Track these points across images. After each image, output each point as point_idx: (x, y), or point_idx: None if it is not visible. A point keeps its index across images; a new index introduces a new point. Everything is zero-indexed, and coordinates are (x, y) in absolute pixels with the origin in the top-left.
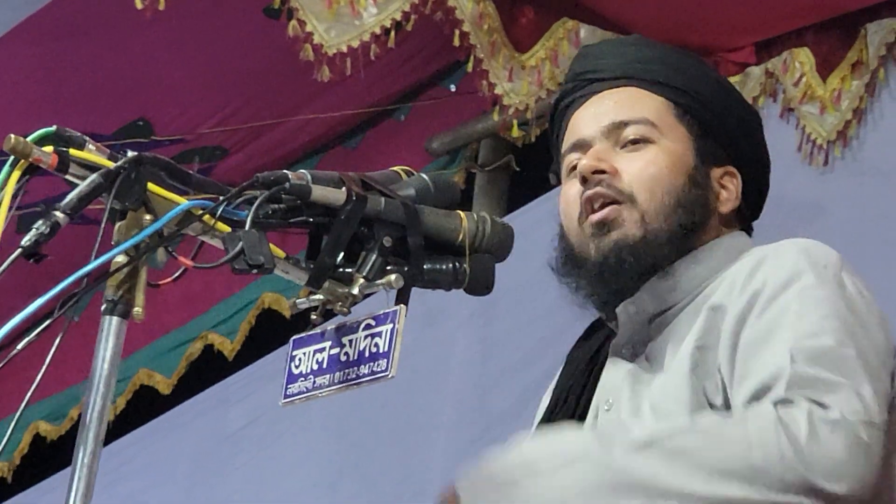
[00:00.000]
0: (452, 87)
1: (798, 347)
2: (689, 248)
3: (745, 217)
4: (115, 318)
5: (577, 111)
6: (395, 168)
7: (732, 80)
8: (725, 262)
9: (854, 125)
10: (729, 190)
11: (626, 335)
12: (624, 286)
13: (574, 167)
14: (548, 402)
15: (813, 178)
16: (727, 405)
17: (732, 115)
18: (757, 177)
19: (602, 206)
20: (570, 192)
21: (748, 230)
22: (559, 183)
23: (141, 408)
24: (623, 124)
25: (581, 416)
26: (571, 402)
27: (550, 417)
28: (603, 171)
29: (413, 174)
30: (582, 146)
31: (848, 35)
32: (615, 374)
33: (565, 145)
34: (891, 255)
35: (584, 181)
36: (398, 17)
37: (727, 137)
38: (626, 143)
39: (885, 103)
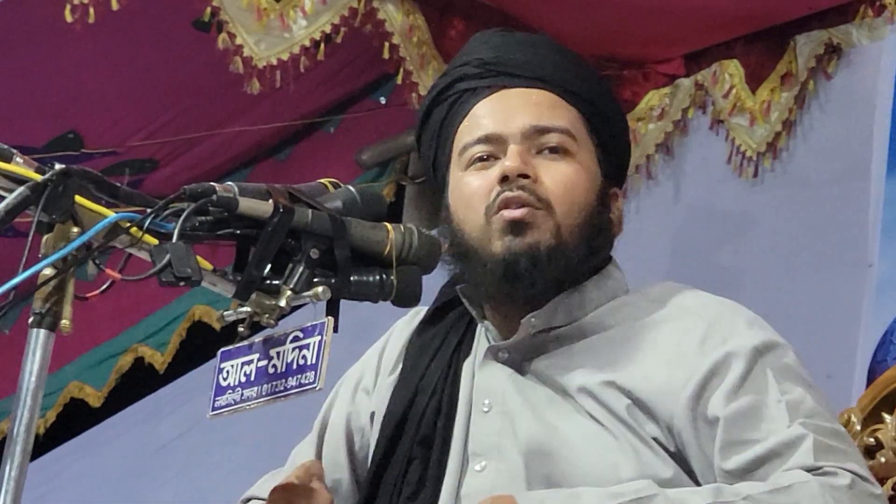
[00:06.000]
0: (382, 100)
1: (804, 421)
2: (595, 269)
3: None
4: (42, 331)
5: (482, 101)
6: (322, 180)
7: (662, 91)
8: (615, 291)
9: (784, 137)
10: (621, 211)
11: (510, 341)
12: (532, 295)
13: (480, 158)
14: (384, 377)
15: (743, 190)
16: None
17: (624, 133)
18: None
19: (519, 208)
20: (474, 183)
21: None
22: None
23: (71, 421)
24: (545, 130)
25: (448, 412)
26: (437, 393)
27: (413, 399)
28: (527, 176)
29: (340, 186)
30: (493, 141)
31: (777, 47)
32: (494, 377)
33: (468, 134)
34: (820, 266)
35: (504, 180)
36: (328, 29)
37: (620, 156)
38: (545, 149)
39: (815, 115)
